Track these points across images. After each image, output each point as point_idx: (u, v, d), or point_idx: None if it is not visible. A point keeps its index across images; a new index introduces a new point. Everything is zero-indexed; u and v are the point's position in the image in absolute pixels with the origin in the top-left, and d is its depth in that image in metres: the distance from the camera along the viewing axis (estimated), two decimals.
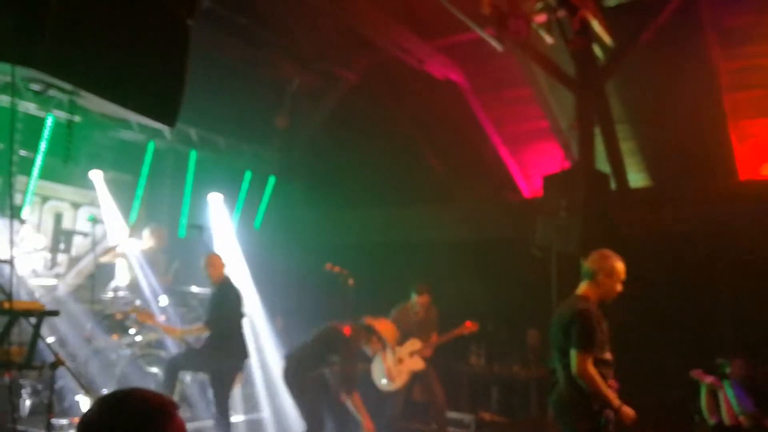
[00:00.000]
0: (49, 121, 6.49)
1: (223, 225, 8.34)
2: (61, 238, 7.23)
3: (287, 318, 8.22)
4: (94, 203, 7.28)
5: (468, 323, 6.62)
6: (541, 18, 6.31)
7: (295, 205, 9.59)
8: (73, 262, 7.21)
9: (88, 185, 7.10)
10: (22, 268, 6.03)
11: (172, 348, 6.43)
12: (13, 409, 5.00)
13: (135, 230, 7.37)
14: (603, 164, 6.98)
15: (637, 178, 8.27)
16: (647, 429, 4.44)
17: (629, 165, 7.82)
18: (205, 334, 5.69)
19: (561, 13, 6.21)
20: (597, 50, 6.62)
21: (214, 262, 5.81)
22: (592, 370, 3.61)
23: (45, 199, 7.12)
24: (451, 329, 6.63)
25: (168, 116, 3.15)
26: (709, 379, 5.06)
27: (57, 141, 6.48)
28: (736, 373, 5.08)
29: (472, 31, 6.48)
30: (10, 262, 4.17)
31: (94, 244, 6.54)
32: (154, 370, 6.22)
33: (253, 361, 7.29)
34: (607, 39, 6.58)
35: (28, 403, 5.37)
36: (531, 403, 7.22)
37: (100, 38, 2.75)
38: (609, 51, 6.67)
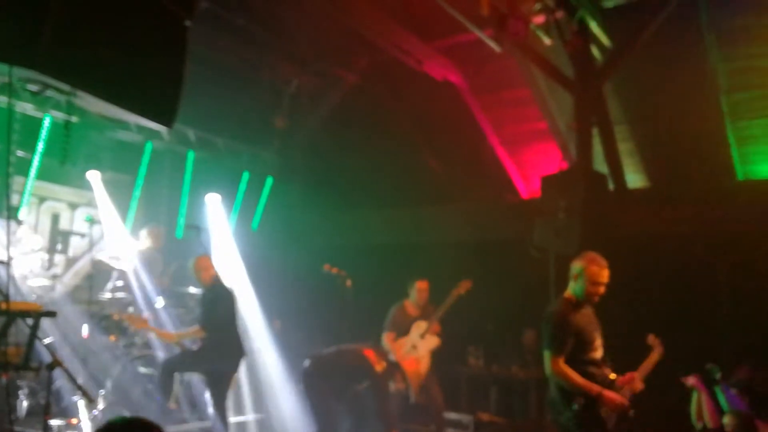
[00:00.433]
0: (47, 122, 6.48)
1: (220, 226, 8.33)
2: (58, 238, 7.21)
3: (285, 319, 8.20)
4: (91, 204, 7.26)
5: (463, 282, 6.61)
6: (540, 19, 6.32)
7: (293, 206, 9.58)
8: (71, 262, 7.20)
9: (86, 186, 7.09)
10: (19, 269, 6.00)
11: (169, 349, 6.41)
12: (10, 410, 4.99)
13: (132, 231, 7.36)
14: (601, 165, 6.99)
15: (635, 178, 8.27)
16: (647, 431, 4.45)
17: (627, 166, 7.82)
18: (201, 336, 5.66)
19: (559, 15, 6.22)
20: (595, 51, 6.62)
21: (203, 264, 5.71)
22: (563, 367, 3.71)
23: (42, 200, 7.11)
24: (449, 332, 6.60)
25: (166, 117, 3.14)
26: (690, 381, 5.06)
27: (54, 142, 6.46)
28: (740, 377, 5.09)
29: (471, 32, 6.49)
30: (7, 262, 4.16)
31: (92, 244, 6.53)
32: (151, 371, 6.21)
33: (252, 362, 7.28)
34: (605, 40, 6.58)
35: (25, 404, 5.35)
36: (530, 403, 7.21)
37: (97, 39, 2.74)
38: (607, 52, 6.67)
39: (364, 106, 9.03)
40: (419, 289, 6.48)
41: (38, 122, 6.45)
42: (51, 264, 6.96)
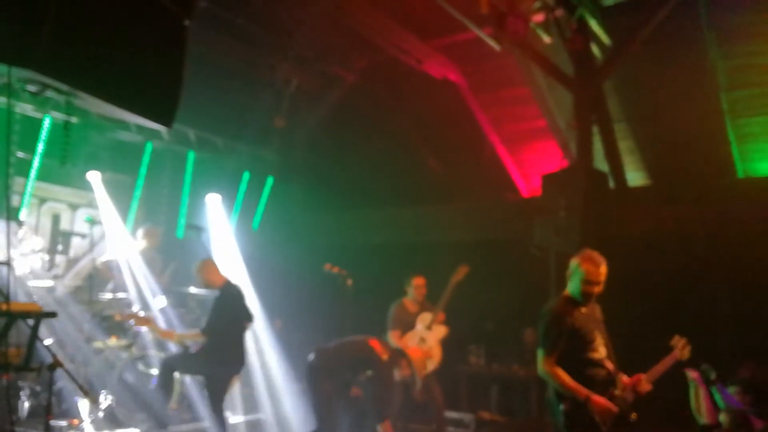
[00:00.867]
0: (47, 123, 6.48)
1: (221, 226, 8.33)
2: (59, 239, 7.21)
3: (286, 319, 8.20)
4: (92, 204, 7.26)
5: (460, 268, 6.62)
6: (539, 17, 6.32)
7: (294, 205, 9.58)
8: (71, 263, 7.20)
9: (86, 186, 7.09)
10: (20, 270, 6.00)
11: (172, 349, 6.42)
12: (12, 411, 4.99)
13: (133, 231, 7.36)
14: (601, 163, 6.99)
15: (635, 176, 8.28)
16: (646, 430, 4.43)
17: (627, 164, 7.83)
18: (201, 340, 5.63)
19: (559, 13, 6.22)
20: (595, 49, 6.62)
21: (209, 267, 5.65)
22: (554, 367, 3.66)
23: (43, 201, 7.11)
24: (450, 331, 6.61)
25: (165, 117, 3.14)
26: (692, 374, 5.06)
27: (54, 142, 6.47)
28: (744, 374, 5.10)
29: (471, 30, 6.49)
30: (8, 263, 4.16)
31: (92, 245, 6.53)
32: (153, 371, 6.21)
33: (253, 362, 7.28)
34: (604, 38, 6.58)
35: (26, 405, 5.35)
36: (530, 402, 7.22)
37: (97, 39, 2.74)
38: (607, 50, 6.67)
39: (364, 106, 9.03)
40: (416, 285, 6.50)
41: (38, 123, 6.46)
42: (52, 265, 6.96)
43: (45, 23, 2.53)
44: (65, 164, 5.67)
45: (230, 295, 5.64)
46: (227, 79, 8.05)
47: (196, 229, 6.72)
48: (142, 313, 6.01)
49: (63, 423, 5.30)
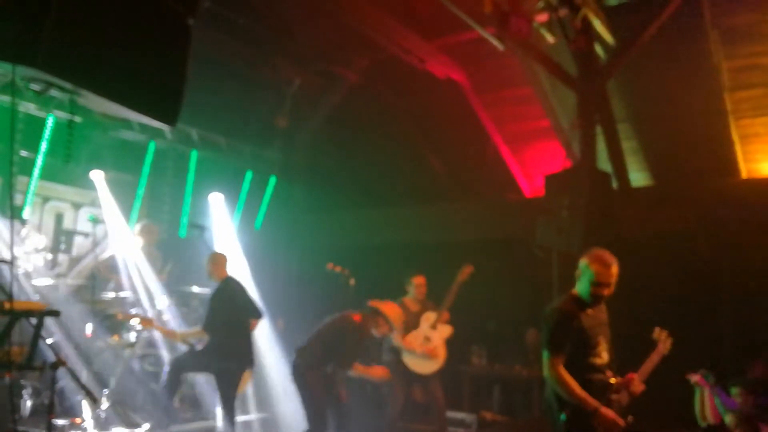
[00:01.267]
0: (50, 122, 6.49)
1: (223, 225, 8.33)
2: (61, 238, 7.22)
3: (288, 318, 8.20)
4: (94, 203, 7.27)
5: (464, 268, 6.60)
6: (543, 17, 6.31)
7: (296, 205, 9.58)
8: (74, 262, 7.20)
9: (89, 185, 7.10)
10: (23, 268, 6.02)
11: (174, 348, 6.42)
12: (14, 410, 4.99)
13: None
14: (605, 163, 6.97)
15: (638, 177, 8.27)
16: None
17: (631, 164, 7.81)
18: (204, 336, 5.66)
19: (562, 12, 6.20)
20: (598, 49, 6.61)
21: (215, 259, 5.81)
22: (562, 372, 3.45)
23: (46, 200, 7.12)
24: (452, 329, 6.60)
25: (169, 115, 3.13)
26: (695, 378, 5.06)
27: (57, 141, 6.48)
28: (755, 374, 5.10)
29: (474, 30, 6.48)
30: (11, 262, 4.17)
31: (95, 244, 6.53)
32: (155, 369, 6.21)
33: (256, 361, 7.27)
34: (608, 38, 6.57)
35: (29, 403, 5.36)
36: (532, 402, 7.20)
37: (101, 37, 2.74)
38: (610, 50, 6.66)
39: (366, 106, 9.03)
40: (416, 284, 6.49)
41: (41, 122, 6.47)
42: (55, 263, 6.97)
43: (49, 21, 2.53)
44: (68, 163, 5.70)
45: (229, 289, 5.67)
46: (230, 79, 8.05)
47: (198, 228, 6.74)
48: (145, 314, 6.03)
49: (65, 422, 5.31)
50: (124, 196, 7.41)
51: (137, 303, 6.65)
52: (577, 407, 3.45)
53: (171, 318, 6.67)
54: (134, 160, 7.61)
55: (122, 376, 5.98)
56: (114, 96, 2.86)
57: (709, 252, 6.77)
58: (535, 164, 8.93)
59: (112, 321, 6.26)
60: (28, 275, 6.05)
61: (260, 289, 7.99)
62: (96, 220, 6.54)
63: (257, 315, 5.83)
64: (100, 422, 5.36)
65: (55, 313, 3.98)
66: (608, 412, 3.44)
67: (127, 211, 7.43)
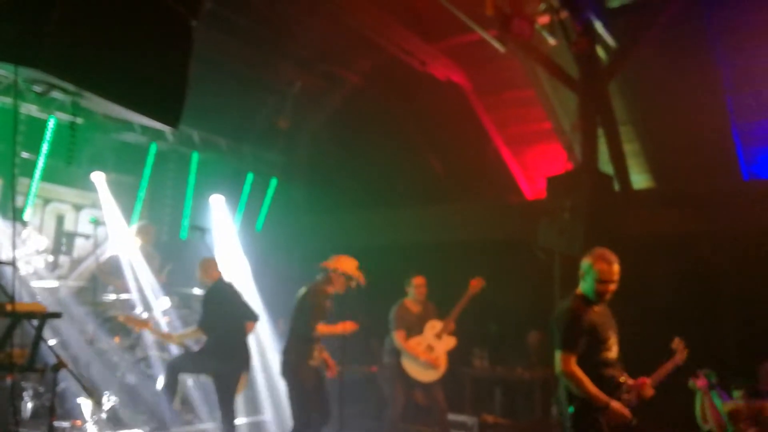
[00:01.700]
0: (51, 123, 6.49)
1: (225, 227, 8.33)
2: (63, 239, 7.23)
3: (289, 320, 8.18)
4: (96, 205, 7.28)
5: (473, 282, 6.57)
6: (544, 19, 6.30)
7: (297, 206, 9.58)
8: (75, 263, 7.20)
9: (90, 187, 7.10)
10: (25, 270, 6.01)
11: (175, 350, 6.41)
12: (15, 412, 4.99)
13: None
14: (606, 165, 6.96)
15: (640, 179, 8.26)
16: None
17: (632, 166, 7.80)
18: (203, 336, 5.65)
19: (564, 15, 6.20)
20: (600, 51, 6.60)
21: (204, 265, 5.72)
22: (574, 369, 3.58)
23: (47, 201, 7.13)
24: (454, 332, 6.59)
25: (171, 117, 3.13)
26: (700, 383, 5.04)
27: (59, 143, 6.49)
28: (764, 376, 5.09)
29: (475, 32, 6.48)
30: (13, 263, 4.16)
31: (96, 246, 6.53)
32: (156, 372, 6.20)
33: (256, 363, 7.27)
34: (610, 40, 6.56)
35: (29, 405, 5.36)
36: (534, 404, 7.18)
37: (102, 39, 2.74)
38: (612, 52, 6.65)
39: (368, 107, 9.03)
40: (416, 285, 6.48)
41: (43, 124, 6.47)
42: (56, 265, 6.97)
43: (51, 22, 2.53)
44: (70, 165, 5.69)
45: (222, 290, 5.64)
46: (231, 81, 8.06)
47: (199, 230, 6.71)
48: (141, 316, 6.02)
49: (66, 424, 5.30)
50: (126, 197, 7.41)
51: (138, 304, 6.64)
52: (584, 400, 3.60)
53: (172, 320, 6.66)
54: (135, 162, 7.62)
55: (123, 378, 5.97)
56: (116, 98, 2.86)
57: (711, 254, 6.76)
58: (536, 166, 8.93)
59: (112, 323, 6.26)
60: (29, 277, 6.05)
61: (261, 291, 7.99)
62: (97, 222, 6.54)
63: (253, 317, 5.81)
64: (100, 424, 5.35)
65: (56, 315, 3.97)
66: (619, 407, 3.61)
67: (128, 212, 7.43)
